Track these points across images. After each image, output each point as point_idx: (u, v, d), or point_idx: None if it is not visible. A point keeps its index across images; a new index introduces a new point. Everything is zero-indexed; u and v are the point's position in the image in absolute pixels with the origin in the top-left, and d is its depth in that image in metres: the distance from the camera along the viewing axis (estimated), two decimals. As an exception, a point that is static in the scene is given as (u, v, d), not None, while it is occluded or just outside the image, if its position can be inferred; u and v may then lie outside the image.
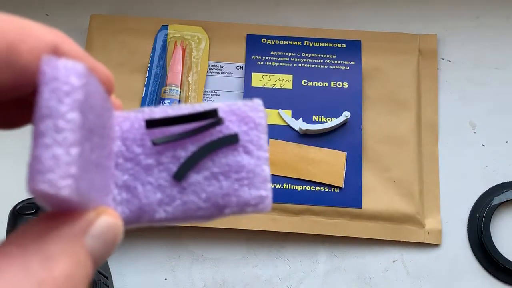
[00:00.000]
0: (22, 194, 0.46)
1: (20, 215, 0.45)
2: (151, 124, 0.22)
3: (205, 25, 0.59)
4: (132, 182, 0.21)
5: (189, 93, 0.56)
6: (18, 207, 0.46)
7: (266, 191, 0.22)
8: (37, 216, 0.44)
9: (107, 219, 0.19)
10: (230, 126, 0.22)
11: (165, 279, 0.53)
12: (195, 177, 0.22)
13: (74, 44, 0.20)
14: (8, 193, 0.51)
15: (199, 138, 0.22)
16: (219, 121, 0.22)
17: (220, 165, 0.22)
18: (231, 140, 0.22)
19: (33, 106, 0.20)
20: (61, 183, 0.17)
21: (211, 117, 0.22)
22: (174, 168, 0.22)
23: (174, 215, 0.21)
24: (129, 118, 0.22)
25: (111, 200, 0.21)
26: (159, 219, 0.21)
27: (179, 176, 0.21)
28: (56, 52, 0.19)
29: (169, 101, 0.55)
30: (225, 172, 0.22)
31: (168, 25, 0.59)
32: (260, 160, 0.22)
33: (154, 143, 0.22)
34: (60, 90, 0.18)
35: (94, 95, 0.19)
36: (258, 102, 0.23)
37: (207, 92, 0.57)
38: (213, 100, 0.57)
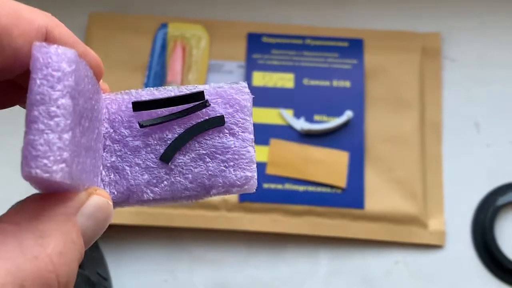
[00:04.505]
0: (20, 195, 0.46)
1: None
2: (138, 106, 0.23)
3: (205, 23, 0.59)
4: (120, 163, 0.23)
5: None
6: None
7: (251, 172, 0.23)
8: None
9: (98, 199, 0.20)
10: (216, 108, 0.23)
11: (165, 281, 0.53)
12: (182, 159, 0.23)
13: (65, 28, 0.21)
14: (5, 193, 0.51)
15: (185, 120, 0.23)
16: (205, 103, 0.23)
17: (206, 146, 0.23)
18: (217, 122, 0.23)
19: (19, 87, 0.21)
20: (55, 168, 0.18)
21: (198, 99, 0.23)
22: (161, 150, 0.23)
23: (162, 196, 0.23)
24: (116, 101, 0.23)
25: (99, 181, 0.22)
26: (147, 200, 0.23)
27: (166, 157, 0.22)
28: (48, 36, 0.20)
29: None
30: (211, 153, 0.23)
31: (167, 23, 0.59)
32: (245, 142, 0.23)
33: (141, 125, 0.23)
34: (52, 76, 0.19)
35: (84, 80, 0.20)
36: (243, 85, 0.24)
37: (207, 91, 0.57)
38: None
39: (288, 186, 0.54)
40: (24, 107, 0.22)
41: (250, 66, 0.58)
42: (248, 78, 0.58)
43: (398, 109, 0.57)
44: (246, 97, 0.24)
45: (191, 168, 0.23)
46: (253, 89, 0.58)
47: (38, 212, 0.18)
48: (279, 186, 0.54)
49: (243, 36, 0.60)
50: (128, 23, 0.60)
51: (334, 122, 0.55)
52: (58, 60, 0.19)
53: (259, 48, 0.59)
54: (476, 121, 0.58)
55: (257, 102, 0.56)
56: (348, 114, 0.55)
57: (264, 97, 0.57)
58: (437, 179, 0.56)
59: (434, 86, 0.59)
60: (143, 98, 0.23)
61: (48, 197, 0.19)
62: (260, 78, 0.58)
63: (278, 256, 0.54)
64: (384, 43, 0.59)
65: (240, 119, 0.23)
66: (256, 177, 0.23)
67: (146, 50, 0.59)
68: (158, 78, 0.57)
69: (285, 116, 0.56)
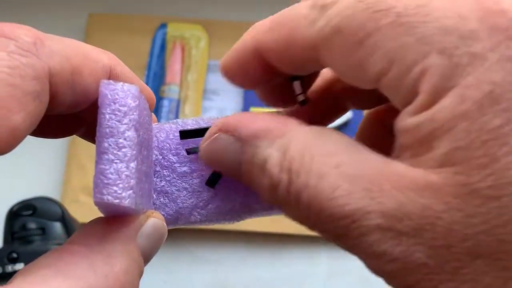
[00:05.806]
0: (19, 195, 0.47)
1: (17, 215, 0.46)
2: (185, 134, 0.25)
3: (205, 24, 0.60)
4: (169, 187, 0.25)
5: (188, 92, 0.57)
6: (15, 208, 0.46)
7: None
8: (36, 216, 0.44)
9: (155, 221, 0.22)
10: None
11: (164, 282, 0.53)
12: (225, 183, 0.24)
13: (125, 66, 0.23)
14: (5, 194, 0.52)
15: None
16: None
17: None
18: None
19: (79, 120, 0.24)
20: (124, 194, 0.20)
21: None
22: (206, 175, 0.24)
23: (208, 218, 0.24)
24: (164, 130, 0.25)
25: (152, 204, 0.24)
26: (194, 221, 0.24)
27: (212, 182, 0.24)
28: (111, 74, 0.22)
29: (168, 100, 0.56)
30: None
31: (167, 24, 0.59)
32: None
33: (188, 152, 0.25)
34: (119, 111, 0.21)
35: (143, 112, 0.22)
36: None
37: (207, 91, 0.58)
38: (213, 99, 0.57)
39: (288, 186, 0.54)
40: (80, 137, 0.25)
41: (250, 66, 0.58)
42: (247, 78, 0.58)
43: (398, 109, 0.57)
44: None
45: (234, 191, 0.24)
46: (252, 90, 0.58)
47: (104, 234, 0.20)
48: (279, 186, 0.54)
49: (242, 36, 0.60)
50: (128, 24, 0.60)
51: (333, 122, 0.55)
52: (124, 96, 0.21)
53: (258, 48, 0.59)
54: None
55: (256, 102, 0.56)
56: (347, 115, 0.55)
57: (263, 97, 0.57)
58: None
59: (433, 86, 0.59)
60: (189, 127, 0.25)
61: (111, 220, 0.21)
62: (260, 78, 0.58)
63: (278, 256, 0.54)
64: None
65: None
66: None
67: (145, 50, 0.59)
68: (158, 78, 0.57)
69: (285, 116, 0.56)
